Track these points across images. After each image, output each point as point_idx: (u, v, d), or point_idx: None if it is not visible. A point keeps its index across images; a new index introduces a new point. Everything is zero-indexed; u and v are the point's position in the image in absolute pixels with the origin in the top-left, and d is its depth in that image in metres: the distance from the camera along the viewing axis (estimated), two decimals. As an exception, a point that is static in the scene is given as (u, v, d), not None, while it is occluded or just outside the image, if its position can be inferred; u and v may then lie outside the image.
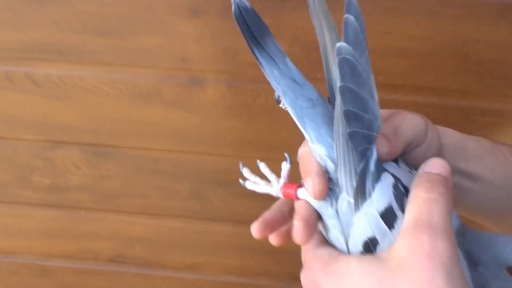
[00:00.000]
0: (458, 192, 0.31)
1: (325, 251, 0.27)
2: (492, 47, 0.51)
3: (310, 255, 0.27)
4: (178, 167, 0.67)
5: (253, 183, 0.32)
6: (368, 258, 0.25)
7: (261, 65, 0.29)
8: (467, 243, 0.27)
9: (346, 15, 0.25)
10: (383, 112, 0.30)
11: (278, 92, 0.29)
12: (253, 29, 0.29)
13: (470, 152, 0.32)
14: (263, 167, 0.32)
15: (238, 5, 0.28)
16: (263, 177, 0.32)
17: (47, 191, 0.72)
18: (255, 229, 0.29)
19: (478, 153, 0.32)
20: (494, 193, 0.32)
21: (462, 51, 0.52)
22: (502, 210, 0.33)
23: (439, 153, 0.31)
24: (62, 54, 0.57)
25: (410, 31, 0.51)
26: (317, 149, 0.28)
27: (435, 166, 0.26)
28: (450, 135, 0.32)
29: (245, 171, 0.33)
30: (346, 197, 0.26)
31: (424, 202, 0.24)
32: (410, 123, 0.29)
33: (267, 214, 0.30)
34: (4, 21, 0.54)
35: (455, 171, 0.31)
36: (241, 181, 0.33)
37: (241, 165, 0.33)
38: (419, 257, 0.23)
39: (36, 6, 0.53)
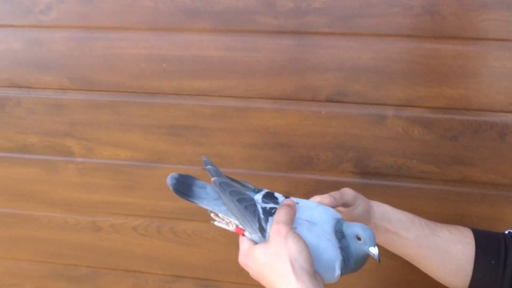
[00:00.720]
0: (389, 242, 0.59)
1: (248, 245, 0.54)
2: (481, 219, 0.77)
3: (242, 247, 0.54)
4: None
5: (218, 222, 0.59)
6: (262, 244, 0.52)
7: (195, 203, 0.56)
8: (344, 227, 0.53)
9: (206, 167, 0.56)
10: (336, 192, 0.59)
11: (209, 209, 0.57)
12: (183, 190, 0.56)
13: (394, 218, 0.60)
14: (219, 223, 0.59)
15: (172, 184, 0.56)
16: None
17: (162, 315, 0.95)
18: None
19: (400, 219, 0.59)
20: (407, 243, 0.58)
21: (461, 222, 0.78)
22: (414, 255, 0.59)
23: (368, 213, 0.59)
24: (196, 215, 0.87)
25: (425, 209, 0.78)
26: (235, 222, 0.55)
27: (285, 202, 0.54)
28: (381, 207, 0.60)
29: (213, 215, 0.59)
30: (255, 234, 0.53)
31: (277, 212, 0.52)
32: (348, 192, 0.58)
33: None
34: (168, 196, 0.86)
35: (383, 229, 0.59)
36: (212, 221, 0.59)
37: (210, 212, 0.59)
38: (273, 234, 0.50)
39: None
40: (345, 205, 0.58)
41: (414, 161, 0.76)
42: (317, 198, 0.57)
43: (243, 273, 0.91)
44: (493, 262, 0.57)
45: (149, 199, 0.87)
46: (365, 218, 0.59)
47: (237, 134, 0.79)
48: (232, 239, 0.88)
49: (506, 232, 0.61)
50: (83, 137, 0.85)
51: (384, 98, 0.73)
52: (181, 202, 0.88)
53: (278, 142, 0.78)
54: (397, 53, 0.70)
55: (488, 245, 0.59)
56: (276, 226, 0.50)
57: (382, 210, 0.60)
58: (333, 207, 0.56)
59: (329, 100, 0.74)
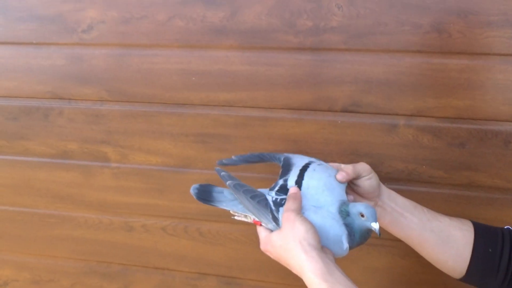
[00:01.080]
0: (395, 222, 0.63)
1: (265, 233, 0.61)
2: (487, 221, 0.79)
3: (261, 236, 0.61)
4: (283, 295, 0.95)
5: (238, 217, 0.65)
6: (277, 230, 0.59)
7: (216, 206, 0.64)
8: (349, 207, 0.59)
9: (221, 174, 0.64)
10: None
11: (229, 209, 0.64)
12: (204, 197, 0.65)
13: (399, 201, 0.65)
14: (239, 217, 0.66)
15: (195, 193, 0.65)
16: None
17: (187, 310, 1.01)
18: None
19: (404, 203, 0.64)
20: (412, 225, 0.62)
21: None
22: (418, 237, 0.63)
23: (379, 188, 0.64)
24: (220, 217, 0.93)
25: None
26: (252, 216, 0.63)
27: (291, 191, 0.61)
28: (388, 190, 0.65)
29: (232, 212, 0.66)
30: (270, 224, 0.60)
31: (286, 201, 0.59)
32: (363, 166, 0.63)
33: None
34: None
35: (390, 208, 0.64)
36: (232, 216, 0.66)
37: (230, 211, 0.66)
38: (284, 221, 0.57)
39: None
40: (358, 176, 0.63)
41: (424, 166, 0.80)
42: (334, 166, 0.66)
43: (263, 271, 0.97)
44: (490, 250, 0.61)
45: (177, 202, 0.94)
46: (376, 192, 0.64)
47: (259, 141, 0.85)
48: (253, 239, 0.94)
49: (505, 227, 0.65)
50: (118, 144, 0.91)
51: (396, 108, 0.78)
52: (206, 205, 0.94)
53: (297, 149, 0.84)
54: (407, 67, 0.75)
55: (486, 235, 0.62)
56: (286, 214, 0.58)
57: (388, 192, 0.66)
58: (347, 181, 0.63)
59: (344, 110, 0.80)
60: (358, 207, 0.58)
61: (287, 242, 0.55)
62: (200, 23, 0.80)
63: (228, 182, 0.62)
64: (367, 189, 0.64)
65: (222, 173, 0.63)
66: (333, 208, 0.59)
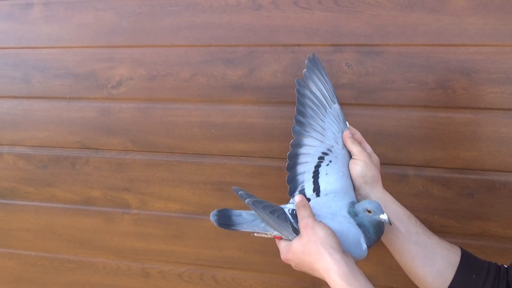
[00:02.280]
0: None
1: (285, 243, 0.61)
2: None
3: (281, 246, 0.61)
4: None
5: (257, 234, 0.63)
6: (296, 238, 0.59)
7: (238, 230, 0.63)
8: (355, 206, 0.60)
9: (239, 193, 0.62)
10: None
11: (250, 231, 0.63)
12: (224, 221, 0.63)
13: (390, 207, 0.62)
14: (258, 234, 0.64)
15: (215, 220, 0.63)
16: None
17: None
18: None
19: (397, 211, 0.62)
20: (396, 232, 0.60)
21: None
22: (400, 247, 0.62)
23: (363, 181, 0.63)
24: (235, 264, 0.93)
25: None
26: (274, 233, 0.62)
27: (297, 200, 0.62)
28: (384, 194, 0.64)
29: (255, 234, 0.64)
30: (291, 236, 0.60)
31: (297, 210, 0.60)
32: (359, 149, 0.65)
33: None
34: (211, 246, 0.93)
35: None
36: (251, 234, 0.64)
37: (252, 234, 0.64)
38: (302, 228, 0.58)
39: (224, 235, 0.92)
40: (352, 154, 0.65)
41: (435, 216, 0.80)
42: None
43: (278, 320, 0.95)
44: (474, 276, 0.59)
45: (194, 248, 0.94)
46: (358, 182, 0.64)
47: (274, 190, 0.86)
48: (267, 286, 0.92)
49: (493, 262, 0.63)
50: (140, 192, 0.93)
51: (405, 159, 0.79)
52: (223, 251, 0.95)
53: (311, 197, 0.85)
54: (415, 121, 0.77)
55: (473, 262, 0.61)
56: (303, 222, 0.59)
57: (381, 196, 0.64)
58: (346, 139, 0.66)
59: (356, 161, 0.81)
60: (363, 205, 0.59)
61: (310, 247, 0.56)
62: (221, 80, 0.84)
63: (246, 200, 0.62)
64: (351, 172, 0.64)
65: (240, 192, 0.64)
66: (344, 212, 0.60)
